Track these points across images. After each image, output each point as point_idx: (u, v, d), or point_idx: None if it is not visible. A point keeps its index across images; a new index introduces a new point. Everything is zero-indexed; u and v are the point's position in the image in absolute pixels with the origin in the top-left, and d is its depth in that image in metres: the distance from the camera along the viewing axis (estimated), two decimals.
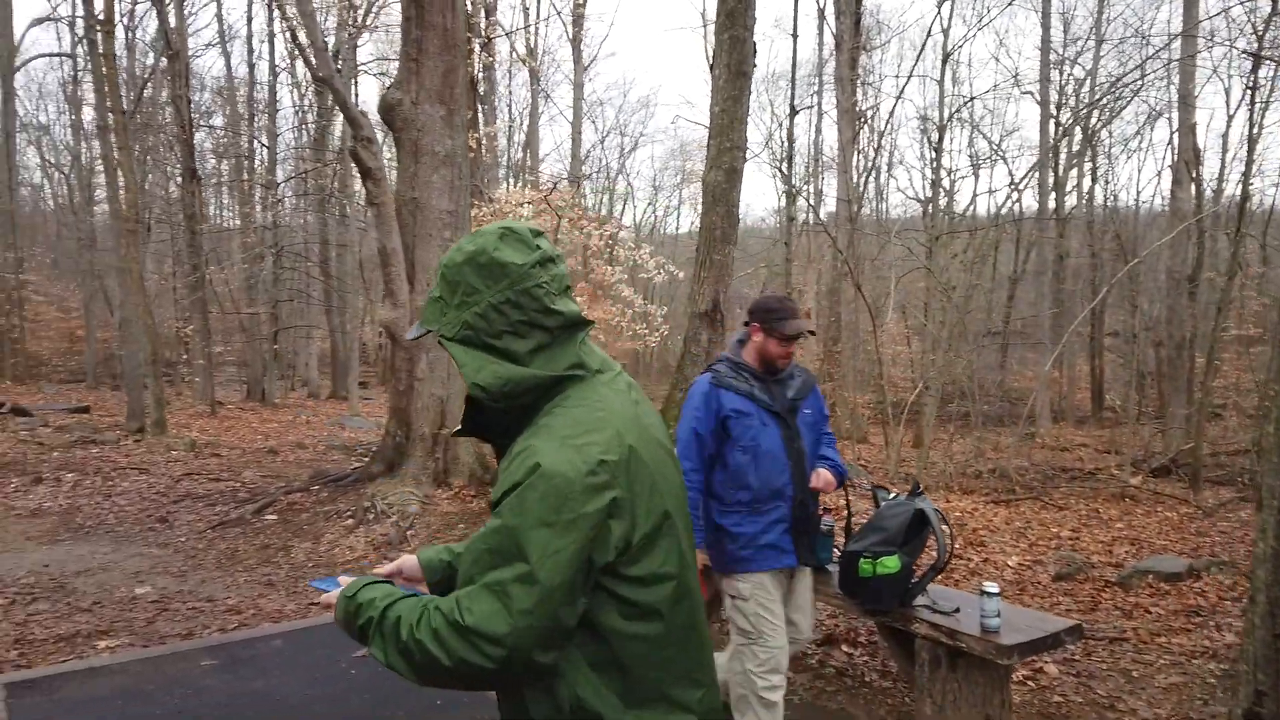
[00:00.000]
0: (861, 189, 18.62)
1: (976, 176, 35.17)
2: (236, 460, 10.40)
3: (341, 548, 6.31)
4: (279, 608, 5.09)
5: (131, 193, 11.77)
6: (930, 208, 21.64)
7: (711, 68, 9.61)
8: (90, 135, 28.84)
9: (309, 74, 23.68)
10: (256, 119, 24.09)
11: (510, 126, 25.97)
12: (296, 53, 23.49)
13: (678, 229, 40.44)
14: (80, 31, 25.05)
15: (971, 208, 24.91)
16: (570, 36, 22.28)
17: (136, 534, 6.91)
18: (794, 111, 15.27)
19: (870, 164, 21.03)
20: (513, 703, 1.40)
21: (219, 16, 31.45)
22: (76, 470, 9.35)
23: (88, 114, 28.02)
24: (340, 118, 24.98)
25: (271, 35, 23.27)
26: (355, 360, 22.78)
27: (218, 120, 26.22)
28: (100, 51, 11.54)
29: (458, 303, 1.41)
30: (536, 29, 23.97)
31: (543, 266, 1.41)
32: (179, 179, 20.20)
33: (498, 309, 1.38)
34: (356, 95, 25.23)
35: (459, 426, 1.56)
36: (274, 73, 23.46)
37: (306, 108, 25.32)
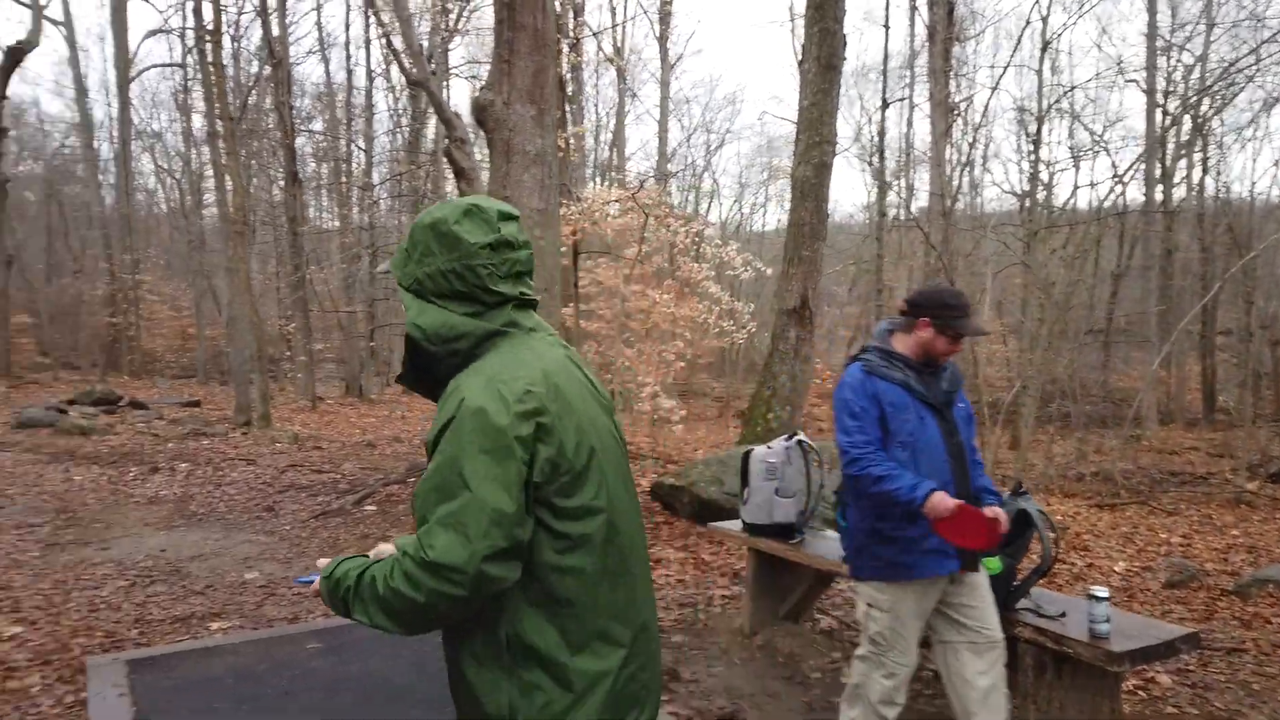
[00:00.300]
0: (955, 183, 18.14)
1: (1077, 169, 33.80)
2: (336, 453, 10.77)
3: None
4: None
5: (239, 196, 12.31)
6: (1027, 202, 20.94)
7: (800, 62, 9.51)
8: (199, 142, 30.23)
9: (403, 78, 24.39)
10: (353, 123, 24.84)
11: (597, 126, 26.19)
12: (391, 58, 24.20)
13: (764, 225, 40.08)
14: (190, 42, 26.36)
15: (1072, 201, 23.98)
16: (657, 35, 22.37)
17: (245, 522, 7.22)
18: (885, 105, 14.93)
19: (964, 157, 20.50)
20: (457, 643, 1.48)
21: (318, 25, 32.57)
22: (189, 460, 9.83)
23: (197, 121, 29.40)
24: (432, 120, 25.62)
25: (368, 42, 23.91)
26: None
27: (317, 125, 27.22)
28: (210, 61, 12.11)
29: (416, 259, 1.54)
30: (623, 28, 24.11)
31: (495, 249, 1.52)
32: (281, 182, 21.02)
33: (444, 274, 1.50)
34: (448, 98, 25.78)
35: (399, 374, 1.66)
36: (370, 78, 24.13)
37: (400, 111, 26.04)
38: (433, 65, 24.06)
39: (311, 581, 1.64)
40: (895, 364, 2.90)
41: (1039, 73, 17.63)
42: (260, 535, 6.78)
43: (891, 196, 18.99)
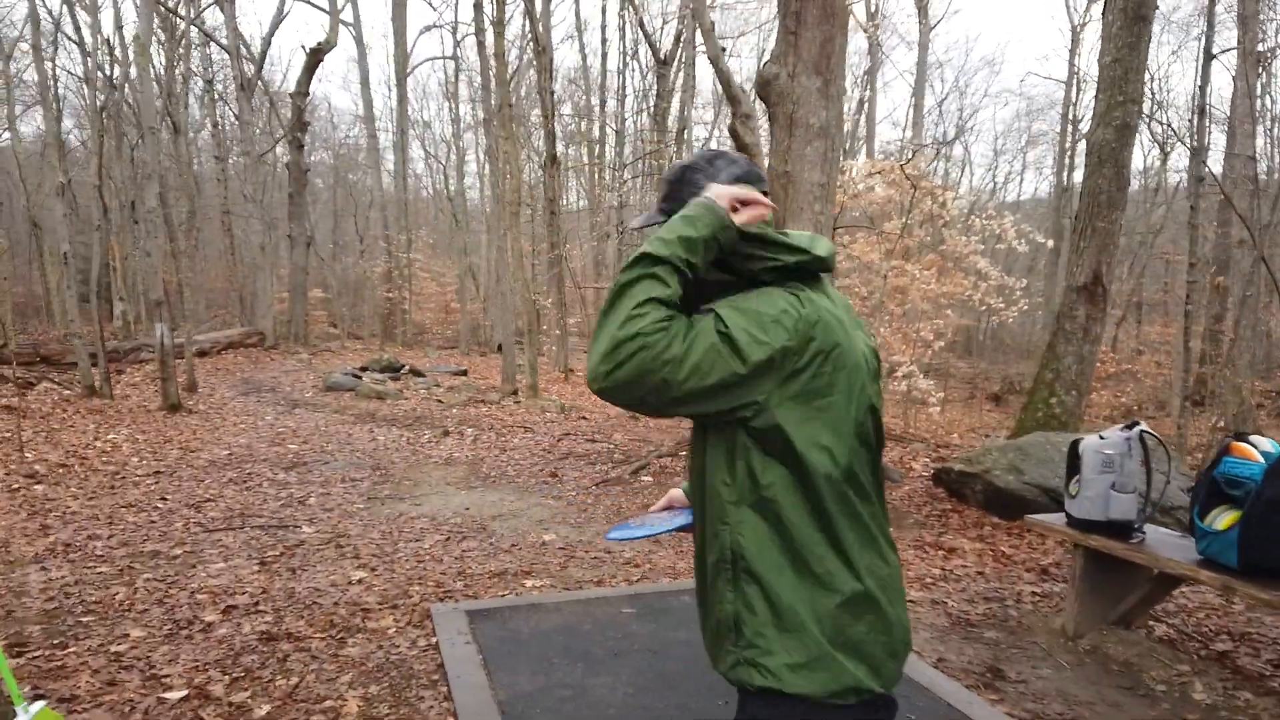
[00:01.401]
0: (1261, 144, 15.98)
1: None
2: (603, 423, 11.22)
3: None
4: (671, 564, 5.38)
5: (515, 179, 13.04)
6: None
7: (1103, 13, 8.68)
8: (463, 129, 32.43)
9: (651, 57, 24.87)
10: (606, 104, 25.62)
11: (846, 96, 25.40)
12: (643, 39, 24.70)
13: (1020, 194, 37.54)
14: (458, 35, 28.21)
15: None
16: None
17: (533, 486, 7.66)
18: (1211, 57, 13.29)
19: (1275, 115, 18.02)
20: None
21: (576, 12, 33.82)
22: (474, 426, 10.58)
23: (462, 110, 31.52)
24: (677, 98, 26.00)
25: (622, 26, 24.51)
26: None
27: (566, 108, 28.38)
28: (492, 51, 12.86)
29: None
30: None
31: None
32: (541, 164, 22.11)
33: None
34: (695, 74, 26.00)
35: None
36: (624, 62, 24.75)
37: (647, 89, 26.57)
38: (681, 43, 24.34)
39: (627, 537, 1.74)
40: None
41: None
42: (549, 500, 7.16)
43: (1173, 160, 17.04)
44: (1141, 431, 3.94)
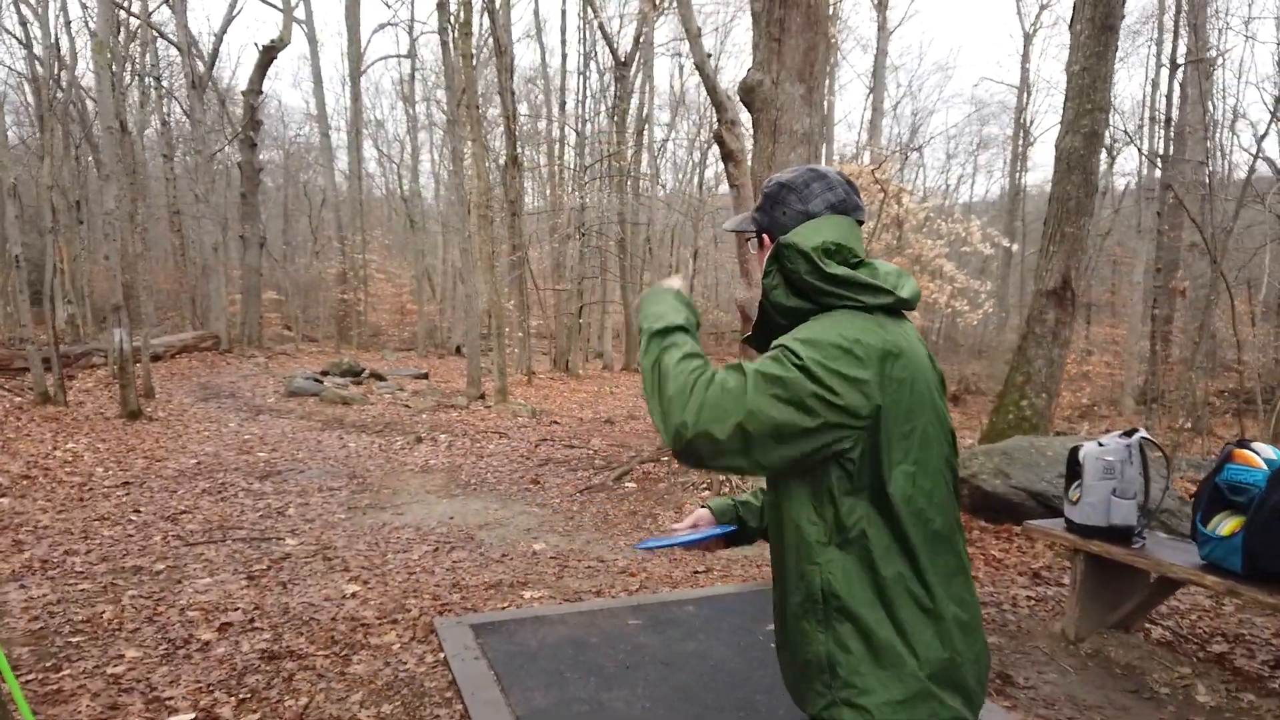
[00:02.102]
0: (1211, 149, 16.44)
1: None
2: (578, 429, 11.17)
3: None
4: (666, 573, 5.36)
5: (483, 180, 12.91)
6: None
7: (1071, 23, 8.86)
8: (418, 128, 32.07)
9: (611, 59, 24.85)
10: (566, 106, 25.52)
11: None
12: (602, 40, 24.66)
13: (971, 197, 38.31)
14: (414, 34, 27.88)
15: None
16: (875, 1, 21.53)
17: (516, 493, 7.59)
18: (1175, 66, 13.60)
19: (1223, 119, 18.57)
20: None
21: (535, 12, 33.64)
22: (446, 432, 10.46)
23: (419, 109, 31.15)
24: (635, 101, 26.03)
25: (581, 27, 24.45)
26: None
27: (523, 108, 28.16)
28: (458, 52, 12.71)
29: None
30: None
31: None
32: (501, 166, 21.93)
33: None
34: (652, 77, 26.07)
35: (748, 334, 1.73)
36: (584, 63, 24.68)
37: (604, 88, 26.53)
38: (640, 46, 24.38)
39: (658, 546, 1.79)
40: None
41: None
42: (533, 507, 7.10)
43: (1120, 163, 17.49)
44: (1141, 439, 4.02)
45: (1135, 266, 19.63)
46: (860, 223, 1.68)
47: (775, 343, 1.48)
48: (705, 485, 7.07)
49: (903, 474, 1.48)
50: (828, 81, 23.51)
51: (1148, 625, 4.39)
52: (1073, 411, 15.25)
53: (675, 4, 7.12)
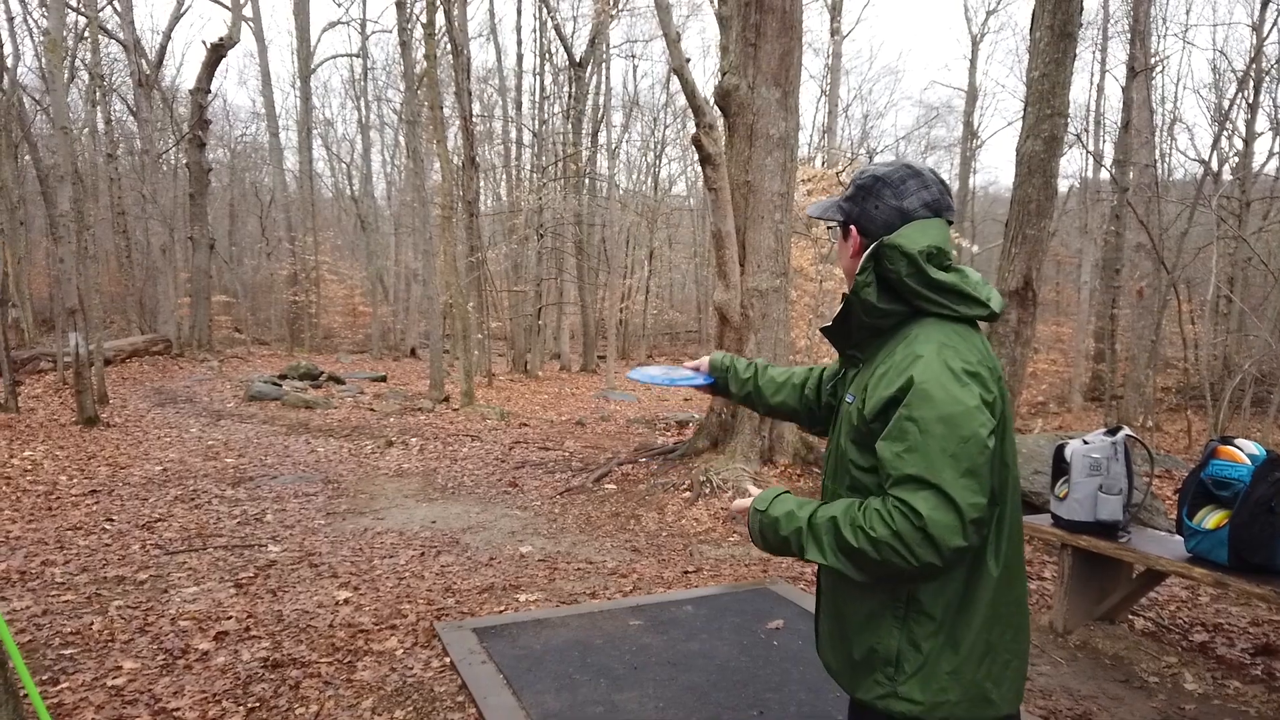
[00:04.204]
0: (1156, 152, 17.01)
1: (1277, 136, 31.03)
2: (550, 430, 11.15)
3: (688, 519, 6.61)
4: (657, 574, 5.41)
5: (447, 181, 12.81)
6: (1220, 171, 19.40)
7: (1031, 30, 9.10)
8: (368, 128, 31.67)
9: (567, 59, 24.82)
10: (522, 106, 25.42)
11: None
12: (558, 42, 24.62)
13: None
14: (367, 32, 27.52)
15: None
16: (829, 4, 21.83)
17: (495, 496, 7.57)
18: (1134, 73, 14.02)
19: (1158, 123, 19.17)
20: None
21: (491, 11, 33.32)
22: (416, 435, 10.37)
23: (373, 109, 30.76)
24: (590, 102, 26.01)
25: (539, 26, 24.37)
26: (612, 334, 23.66)
27: (476, 107, 27.99)
28: (424, 52, 12.60)
29: None
30: None
31: None
32: (458, 166, 21.78)
33: None
34: (609, 78, 26.14)
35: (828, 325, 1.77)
36: (542, 62, 24.61)
37: (556, 92, 26.48)
38: (600, 46, 24.37)
39: (647, 380, 2.16)
40: None
41: (1258, 29, 16.20)
42: (515, 510, 7.09)
43: (1064, 165, 18.01)
44: (1125, 436, 4.16)
45: (1081, 266, 20.19)
46: (950, 223, 1.69)
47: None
48: (685, 486, 7.13)
49: (1000, 482, 1.56)
50: None
51: (1131, 617, 4.55)
52: (1026, 409, 15.63)
53: (641, 6, 7.14)
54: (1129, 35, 14.29)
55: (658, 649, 4.02)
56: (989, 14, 34.88)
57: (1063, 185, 27.74)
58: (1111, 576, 4.32)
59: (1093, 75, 24.45)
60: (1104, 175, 18.37)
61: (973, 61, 26.99)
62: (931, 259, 1.57)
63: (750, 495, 1.76)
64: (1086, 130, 19.89)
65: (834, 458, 1.72)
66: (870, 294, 1.60)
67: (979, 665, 1.56)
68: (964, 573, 1.54)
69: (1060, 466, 4.32)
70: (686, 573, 5.44)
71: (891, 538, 1.42)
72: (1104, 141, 19.88)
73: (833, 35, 21.32)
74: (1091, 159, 17.76)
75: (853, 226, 1.70)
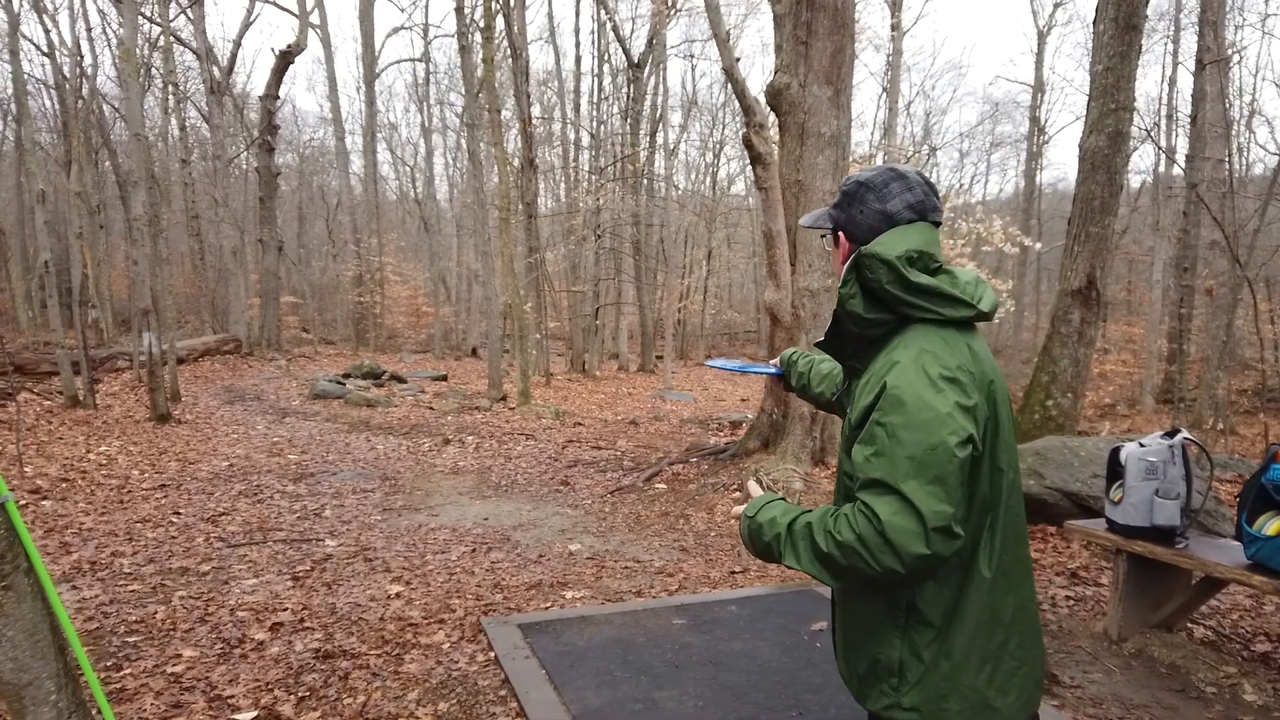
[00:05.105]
0: (1233, 146, 16.41)
1: None
2: (603, 430, 11.23)
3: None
4: (704, 573, 5.41)
5: (505, 184, 12.99)
6: None
7: (1094, 22, 8.87)
8: (432, 131, 32.20)
9: (625, 60, 24.93)
10: (580, 108, 25.60)
11: None
12: (616, 43, 24.73)
13: (984, 195, 38.29)
14: (428, 37, 27.98)
15: None
16: (890, 0, 21.53)
17: (546, 495, 7.65)
18: (1202, 65, 13.60)
19: (1234, 116, 18.50)
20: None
21: (550, 15, 33.74)
22: (473, 434, 10.54)
23: (435, 113, 31.28)
24: (647, 103, 26.08)
25: (597, 28, 24.51)
26: (670, 334, 23.67)
27: (536, 110, 28.27)
28: (481, 56, 12.79)
29: None
30: None
31: None
32: (517, 168, 22.05)
33: None
34: (666, 78, 26.18)
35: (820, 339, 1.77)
36: (599, 65, 24.76)
37: (617, 90, 26.60)
38: (655, 47, 24.38)
39: (724, 367, 2.32)
40: None
41: None
42: (566, 509, 7.16)
43: (1135, 161, 17.49)
44: (1183, 439, 4.05)
45: (1153, 265, 19.58)
46: (938, 224, 1.67)
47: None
48: (734, 486, 7.12)
49: (1004, 483, 1.56)
50: None
51: (1190, 625, 4.42)
52: (1093, 411, 15.22)
53: (702, 6, 7.17)
54: (1199, 28, 13.79)
55: (699, 648, 4.03)
56: (1056, 6, 33.95)
57: (1134, 181, 27.01)
58: (1169, 583, 4.20)
59: (1164, 68, 23.70)
60: (1176, 171, 17.79)
61: (1039, 55, 26.36)
62: (913, 263, 1.56)
63: (754, 497, 1.78)
64: (1158, 125, 19.26)
65: (839, 468, 1.73)
66: (856, 305, 1.60)
67: (978, 672, 1.54)
68: (957, 578, 1.53)
69: (1115, 470, 4.22)
70: (733, 573, 5.44)
71: (855, 542, 1.42)
72: (1176, 136, 19.21)
73: (893, 31, 21.03)
74: (1164, 154, 17.19)
75: (841, 233, 1.71)
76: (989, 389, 1.52)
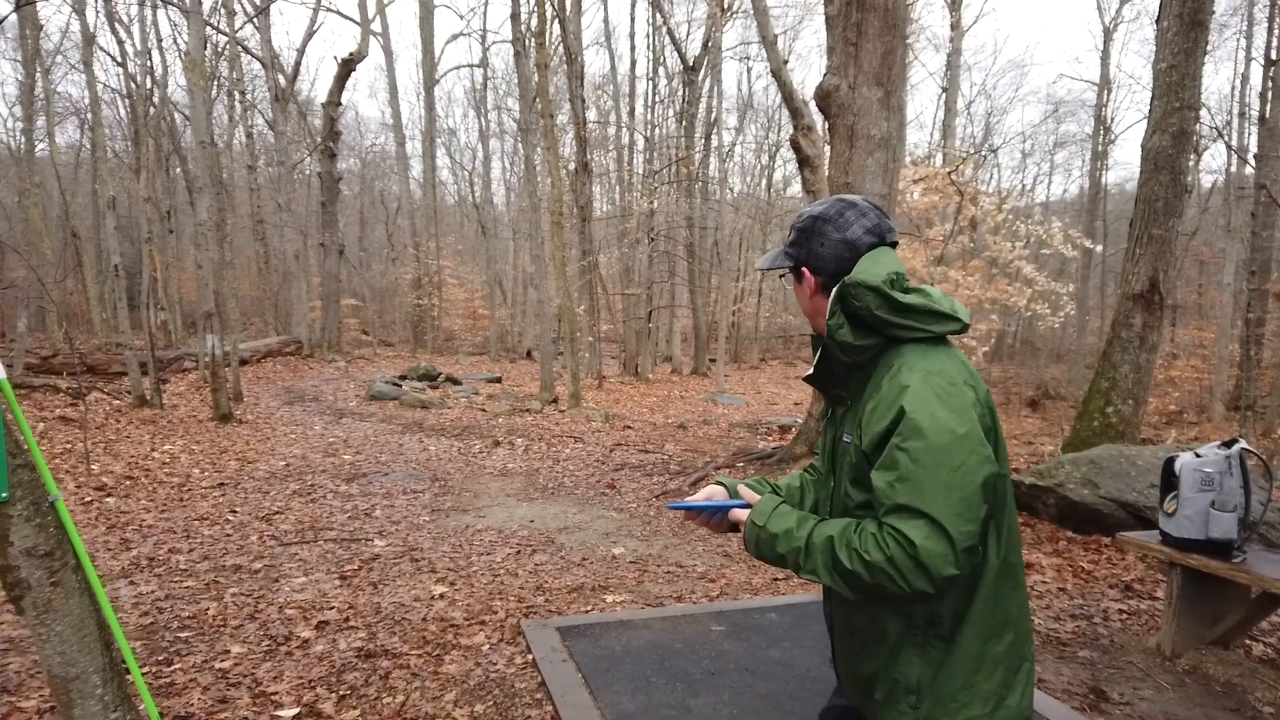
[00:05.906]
0: None
1: None
2: (652, 433, 11.25)
3: None
4: (746, 580, 5.38)
5: (557, 188, 13.10)
6: None
7: (1158, 19, 8.62)
8: (490, 136, 32.58)
9: (680, 64, 24.94)
10: (635, 111, 25.67)
11: None
12: (671, 46, 24.75)
13: (1048, 196, 37.48)
14: (486, 43, 28.34)
15: None
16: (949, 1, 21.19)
17: (592, 498, 7.68)
18: (1273, 62, 13.13)
19: None
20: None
21: (605, 20, 33.77)
22: (523, 436, 10.63)
23: (490, 117, 31.65)
24: (702, 105, 26.04)
25: (652, 31, 24.55)
26: (723, 337, 23.59)
27: (591, 113, 28.46)
28: (535, 61, 12.92)
29: None
30: None
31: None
32: (571, 172, 22.23)
33: None
34: (721, 81, 26.08)
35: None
36: (654, 69, 24.80)
37: (672, 94, 26.62)
38: (709, 50, 24.35)
39: (683, 508, 1.79)
40: None
41: None
42: (611, 512, 7.18)
43: (1206, 160, 16.88)
44: (1241, 449, 3.91)
45: (1224, 267, 18.94)
46: (894, 245, 1.69)
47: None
48: None
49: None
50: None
51: (1248, 642, 4.26)
52: (1159, 418, 14.76)
53: (751, 8, 7.15)
54: (1269, 24, 13.29)
55: (737, 655, 4.01)
56: (1123, 2, 33.04)
57: (1205, 181, 26.17)
58: (1226, 598, 4.06)
59: (1237, 64, 22.89)
60: (1248, 171, 17.12)
61: (1105, 53, 25.65)
62: (894, 284, 1.59)
63: (740, 497, 1.77)
64: (1229, 124, 18.60)
65: (837, 496, 1.70)
66: (846, 334, 1.61)
67: (992, 675, 1.56)
68: (969, 586, 1.54)
69: (1169, 481, 4.09)
70: (775, 579, 5.40)
71: (885, 563, 1.43)
72: (1249, 135, 18.51)
73: (953, 30, 20.68)
74: (1235, 154, 16.59)
75: (804, 269, 1.72)
76: (986, 397, 1.55)
